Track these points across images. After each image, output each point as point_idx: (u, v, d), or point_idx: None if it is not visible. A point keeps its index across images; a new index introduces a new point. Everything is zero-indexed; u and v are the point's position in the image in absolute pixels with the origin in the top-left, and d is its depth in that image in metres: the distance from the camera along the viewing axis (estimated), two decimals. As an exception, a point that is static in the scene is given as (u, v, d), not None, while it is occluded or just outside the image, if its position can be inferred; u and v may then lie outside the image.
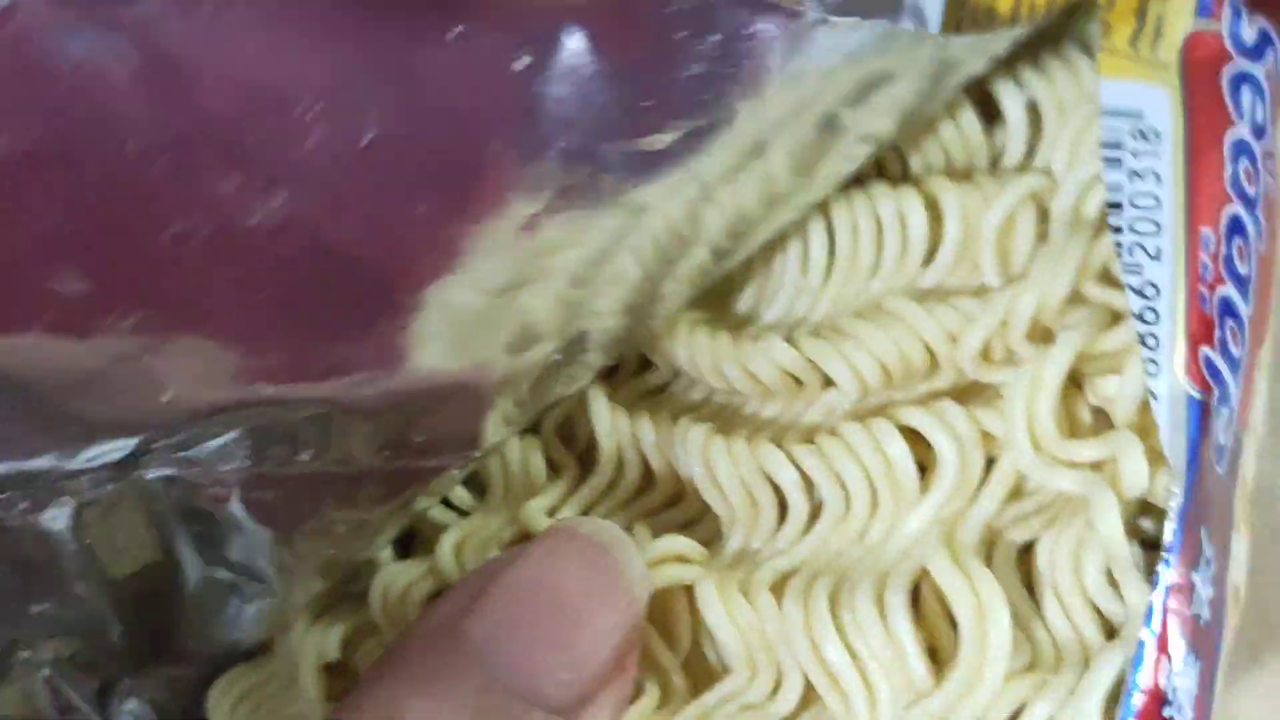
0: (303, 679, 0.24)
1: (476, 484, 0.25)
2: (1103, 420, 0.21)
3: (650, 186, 0.19)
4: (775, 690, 0.21)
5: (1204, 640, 0.19)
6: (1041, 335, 0.21)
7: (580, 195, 0.19)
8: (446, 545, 0.23)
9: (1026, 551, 0.21)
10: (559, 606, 0.20)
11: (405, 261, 0.19)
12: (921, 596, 0.20)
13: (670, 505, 0.23)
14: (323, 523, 0.23)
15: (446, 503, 0.24)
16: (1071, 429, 0.21)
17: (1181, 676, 0.19)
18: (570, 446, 0.24)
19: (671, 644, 0.22)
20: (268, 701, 0.25)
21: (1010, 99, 0.23)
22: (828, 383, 0.22)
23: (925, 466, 0.22)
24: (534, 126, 0.18)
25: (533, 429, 0.24)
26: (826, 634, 0.20)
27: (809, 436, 0.22)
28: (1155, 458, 0.20)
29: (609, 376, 0.24)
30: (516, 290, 0.20)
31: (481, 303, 0.20)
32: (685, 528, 0.23)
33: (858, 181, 0.23)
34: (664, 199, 0.19)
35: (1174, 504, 0.18)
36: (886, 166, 0.24)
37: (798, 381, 0.23)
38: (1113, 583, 0.20)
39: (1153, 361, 0.19)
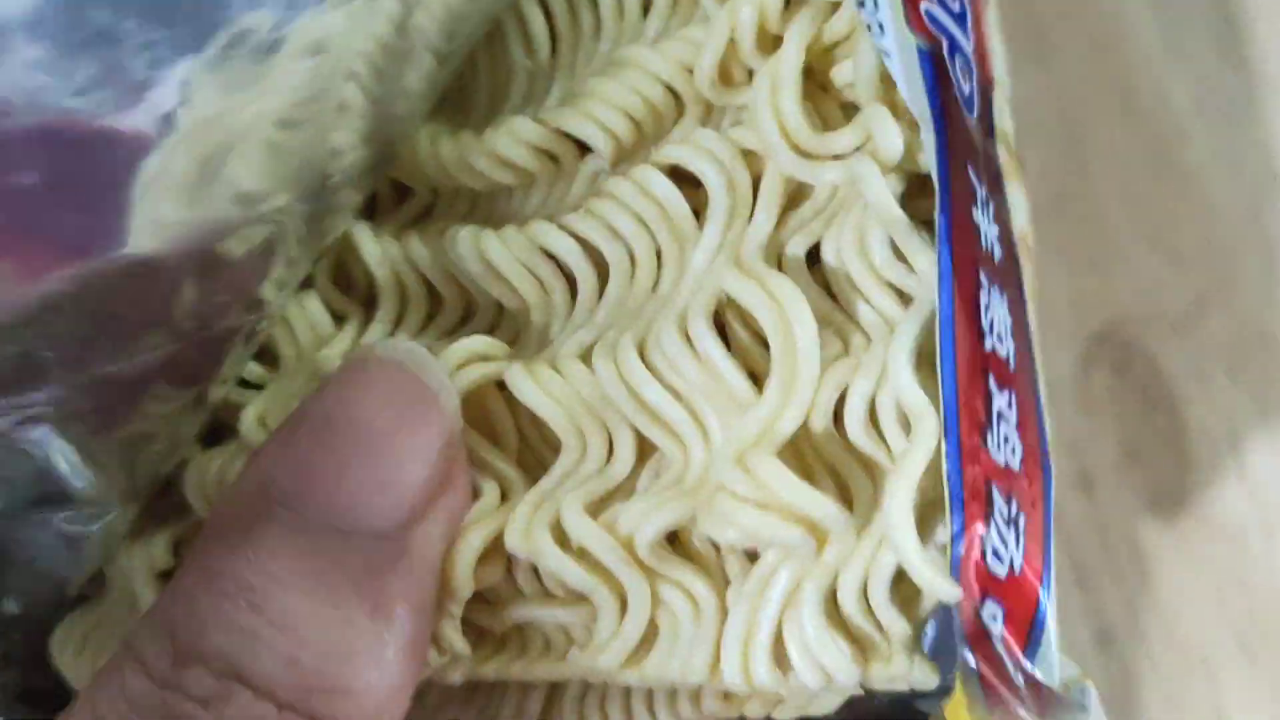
0: (139, 594, 0.23)
1: (269, 360, 0.24)
2: (854, 113, 0.21)
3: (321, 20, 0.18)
4: (609, 454, 0.21)
5: (1003, 276, 0.20)
6: (772, 45, 0.21)
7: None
8: (249, 418, 0.22)
9: (816, 260, 0.21)
10: (364, 433, 0.19)
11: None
12: (728, 325, 0.20)
13: (464, 322, 0.23)
14: (124, 434, 0.21)
15: (243, 383, 0.23)
16: (829, 128, 0.21)
17: (993, 308, 0.19)
18: (350, 294, 0.24)
19: (499, 443, 0.22)
20: (112, 637, 0.24)
21: None
22: (583, 151, 0.22)
23: (699, 211, 0.21)
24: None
25: (307, 285, 0.23)
26: (642, 379, 0.20)
27: (579, 203, 0.22)
28: (909, 128, 0.20)
29: (369, 216, 0.24)
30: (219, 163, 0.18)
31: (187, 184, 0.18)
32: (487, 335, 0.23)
33: None
34: (347, 30, 0.18)
35: (929, 144, 0.19)
36: None
37: (554, 160, 0.22)
38: (900, 257, 0.20)
39: (878, 25, 0.19)
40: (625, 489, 0.21)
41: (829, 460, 0.20)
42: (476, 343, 0.21)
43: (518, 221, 0.22)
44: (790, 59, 0.20)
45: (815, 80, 0.21)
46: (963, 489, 0.18)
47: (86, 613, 0.24)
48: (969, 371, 0.18)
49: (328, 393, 0.20)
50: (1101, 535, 0.40)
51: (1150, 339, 0.41)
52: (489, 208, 0.23)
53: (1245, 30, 0.40)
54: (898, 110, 0.20)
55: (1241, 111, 0.41)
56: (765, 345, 0.20)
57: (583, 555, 0.20)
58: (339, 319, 0.23)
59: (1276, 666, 0.38)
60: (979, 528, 0.18)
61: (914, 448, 0.19)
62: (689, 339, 0.20)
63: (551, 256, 0.22)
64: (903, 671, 0.19)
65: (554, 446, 0.21)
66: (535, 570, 0.21)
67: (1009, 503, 0.18)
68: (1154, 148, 0.41)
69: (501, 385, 0.21)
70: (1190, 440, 0.41)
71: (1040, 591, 0.18)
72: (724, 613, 0.20)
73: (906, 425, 0.19)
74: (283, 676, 0.18)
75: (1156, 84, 0.40)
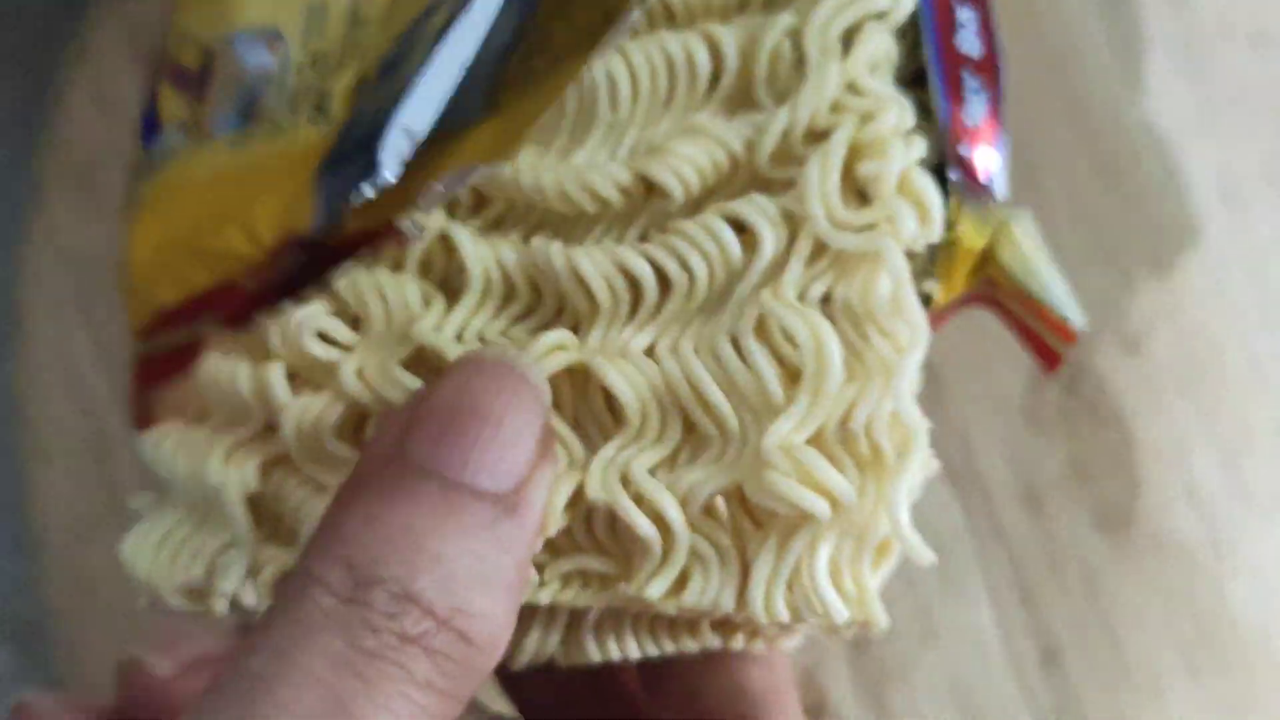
0: (230, 511, 0.28)
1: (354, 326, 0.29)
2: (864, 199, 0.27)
3: None
4: (660, 433, 0.27)
5: None
6: (816, 138, 0.27)
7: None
8: (348, 371, 0.28)
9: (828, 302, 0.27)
10: (479, 415, 0.25)
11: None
12: (767, 333, 0.26)
13: (530, 312, 0.29)
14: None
15: (327, 339, 0.28)
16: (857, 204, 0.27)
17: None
18: (430, 279, 0.29)
19: (564, 419, 0.27)
20: (186, 545, 0.29)
21: None
22: (649, 193, 0.28)
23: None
24: None
25: (396, 268, 0.29)
26: (703, 377, 0.26)
27: (647, 234, 0.28)
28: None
29: (452, 215, 0.29)
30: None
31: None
32: (549, 325, 0.28)
33: (649, 28, 0.29)
34: None
35: None
36: (661, 16, 0.29)
37: (626, 194, 0.28)
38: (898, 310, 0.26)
39: None
40: (671, 461, 0.27)
41: (830, 454, 0.26)
42: (558, 336, 0.27)
43: (588, 239, 0.28)
44: (837, 151, 0.26)
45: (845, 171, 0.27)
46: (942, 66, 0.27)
47: (154, 525, 0.30)
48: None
49: (449, 382, 0.25)
50: (1049, 553, 0.39)
51: (1100, 357, 0.41)
52: (557, 224, 0.29)
53: (1199, 48, 0.40)
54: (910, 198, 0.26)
55: (1193, 131, 0.41)
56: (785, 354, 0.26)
57: (642, 504, 0.26)
58: (424, 300, 0.29)
59: (1224, 686, 0.38)
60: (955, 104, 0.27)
61: (909, 453, 0.26)
62: (739, 350, 0.26)
63: (625, 272, 0.27)
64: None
65: (601, 425, 0.27)
66: (587, 526, 0.27)
67: (975, 78, 0.28)
68: (1105, 166, 0.41)
69: (568, 371, 0.27)
70: (1139, 458, 0.41)
71: (998, 140, 0.28)
72: (745, 563, 0.26)
73: (894, 439, 0.26)
74: (440, 598, 0.23)
75: (1108, 102, 0.40)
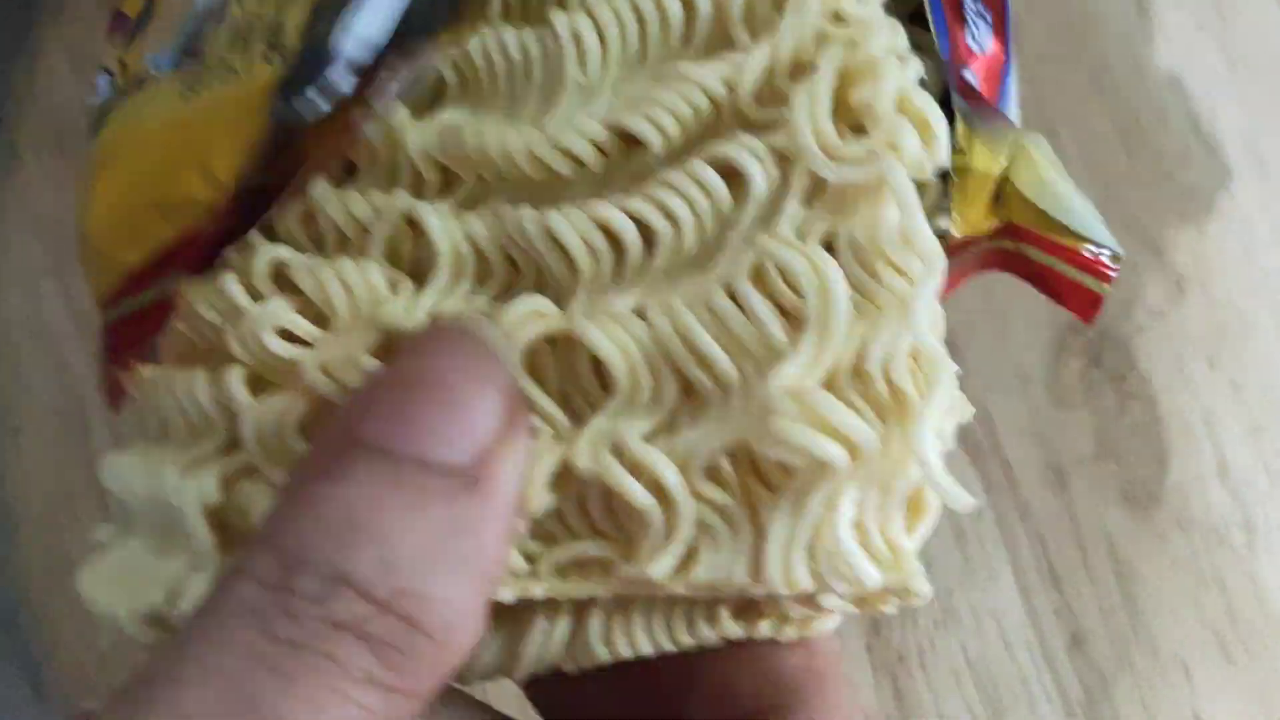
0: (190, 525, 0.25)
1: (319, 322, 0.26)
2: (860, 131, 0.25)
3: None
4: (655, 396, 0.24)
5: None
6: (800, 72, 0.25)
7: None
8: (310, 366, 0.25)
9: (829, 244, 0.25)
10: (438, 388, 0.22)
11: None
12: (765, 280, 0.24)
13: (508, 289, 0.26)
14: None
15: (290, 337, 0.26)
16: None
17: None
18: (398, 265, 0.27)
19: (547, 390, 0.25)
20: (142, 572, 0.27)
21: None
22: (629, 145, 0.26)
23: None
24: None
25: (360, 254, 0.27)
26: (695, 329, 0.24)
27: (629, 187, 0.25)
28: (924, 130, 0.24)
29: (419, 196, 0.27)
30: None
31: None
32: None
33: None
34: None
35: None
36: None
37: (603, 152, 0.26)
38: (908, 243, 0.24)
39: None
40: (668, 426, 0.24)
41: (845, 401, 0.23)
42: (535, 302, 0.25)
43: (564, 201, 0.26)
44: (826, 78, 0.24)
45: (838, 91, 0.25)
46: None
47: (111, 551, 0.27)
48: None
49: (404, 353, 0.23)
50: (1075, 533, 0.38)
51: (1126, 327, 0.40)
52: (535, 194, 0.26)
53: (1226, 7, 0.39)
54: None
55: (1220, 92, 0.40)
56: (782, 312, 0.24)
57: (638, 475, 0.24)
58: (391, 286, 0.26)
59: (1255, 668, 0.37)
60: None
61: (934, 389, 0.23)
62: (734, 297, 0.24)
63: (604, 230, 0.25)
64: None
65: (589, 396, 0.25)
66: (581, 509, 0.25)
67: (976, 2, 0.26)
68: (1130, 128, 0.39)
69: (549, 340, 0.25)
70: (1168, 433, 0.39)
71: (1006, 60, 0.26)
72: (758, 529, 0.24)
73: (916, 376, 0.23)
74: (379, 580, 0.21)
75: (1132, 60, 0.39)
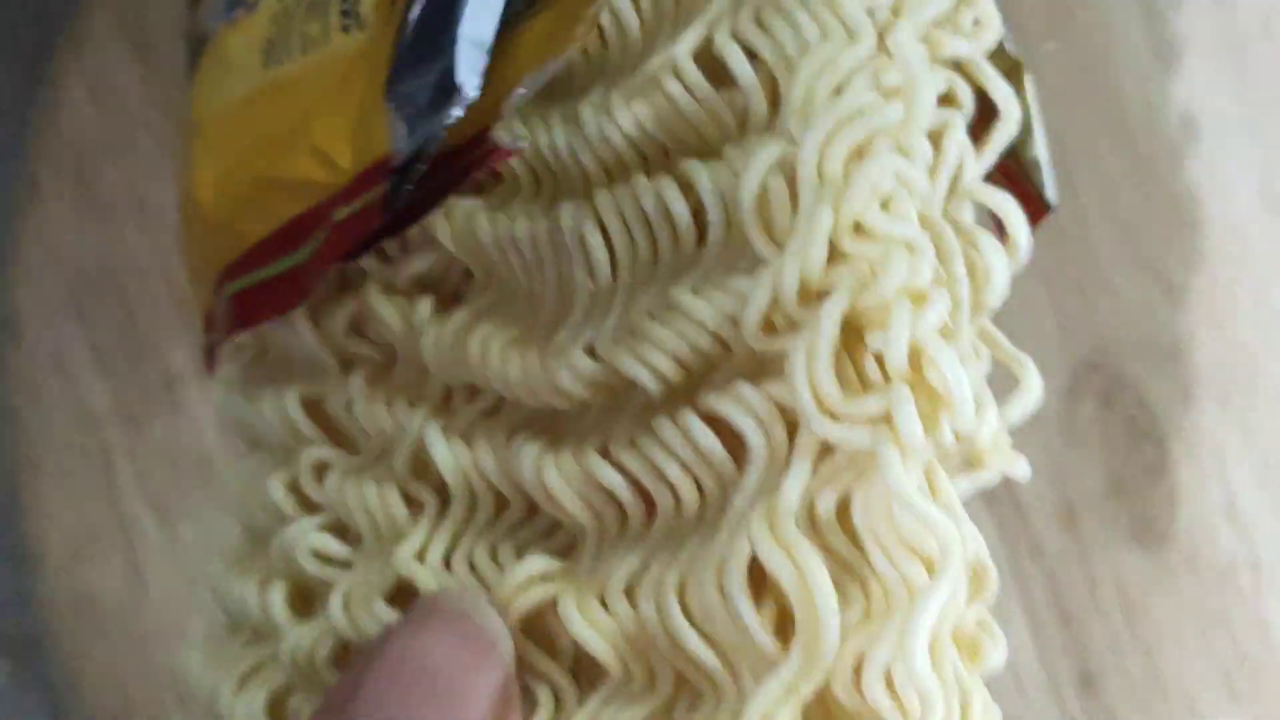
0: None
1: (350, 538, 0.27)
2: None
3: None
4: (651, 683, 0.23)
5: None
6: (816, 296, 0.22)
7: None
8: (335, 603, 0.25)
9: (846, 509, 0.22)
10: (432, 677, 0.22)
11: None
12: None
13: (528, 518, 0.25)
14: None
15: (324, 559, 0.27)
16: (862, 383, 0.21)
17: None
18: (425, 479, 0.26)
19: (555, 654, 0.24)
20: None
21: (734, 59, 0.23)
22: (630, 383, 0.23)
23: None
24: None
25: (387, 470, 0.26)
26: (682, 628, 0.22)
27: (632, 433, 0.23)
28: (933, 399, 0.21)
29: (444, 408, 0.26)
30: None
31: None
32: (548, 535, 0.25)
33: (622, 174, 0.24)
34: None
35: None
36: (646, 154, 0.24)
37: (599, 388, 0.24)
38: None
39: None
40: (663, 712, 0.23)
41: (851, 715, 0.21)
42: (539, 564, 0.24)
43: (574, 436, 0.24)
44: (827, 333, 0.21)
45: (854, 329, 0.22)
46: None
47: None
48: None
49: (399, 636, 0.23)
50: (1085, 570, 0.38)
51: (1139, 367, 0.40)
52: (552, 413, 0.25)
53: (1241, 48, 0.39)
54: (919, 380, 0.21)
55: (1235, 131, 0.40)
56: None
57: None
58: (414, 504, 0.26)
59: (1264, 709, 0.37)
60: None
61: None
62: (724, 594, 0.21)
63: (600, 488, 0.24)
64: None
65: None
66: None
67: None
68: (1144, 168, 0.39)
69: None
70: (1178, 473, 0.40)
71: None
72: None
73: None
74: None
75: (1148, 102, 0.39)
